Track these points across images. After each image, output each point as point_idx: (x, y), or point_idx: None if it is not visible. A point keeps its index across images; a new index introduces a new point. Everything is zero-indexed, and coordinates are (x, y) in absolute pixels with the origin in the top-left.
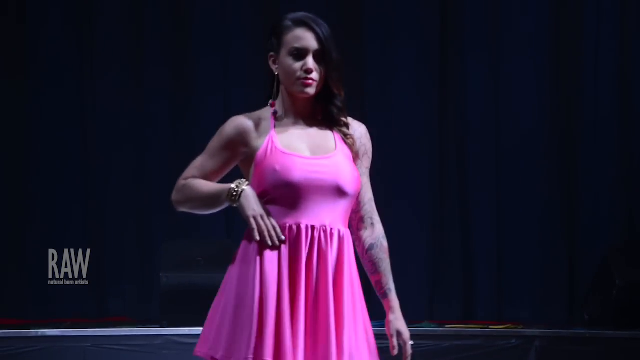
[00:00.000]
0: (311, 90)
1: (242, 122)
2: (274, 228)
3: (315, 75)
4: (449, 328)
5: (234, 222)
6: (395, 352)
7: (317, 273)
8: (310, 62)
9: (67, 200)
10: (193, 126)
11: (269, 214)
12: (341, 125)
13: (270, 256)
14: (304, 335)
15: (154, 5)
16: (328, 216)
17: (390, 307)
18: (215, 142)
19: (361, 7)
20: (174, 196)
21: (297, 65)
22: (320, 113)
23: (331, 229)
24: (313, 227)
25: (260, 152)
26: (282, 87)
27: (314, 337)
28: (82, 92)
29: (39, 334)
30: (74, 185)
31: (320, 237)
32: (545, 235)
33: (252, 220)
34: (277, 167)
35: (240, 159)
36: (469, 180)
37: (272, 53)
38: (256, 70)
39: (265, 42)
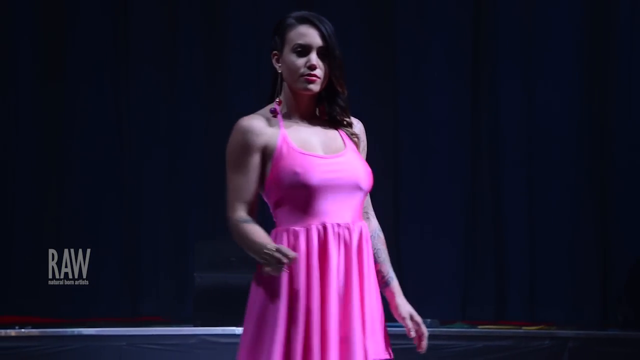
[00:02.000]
0: (315, 87)
1: (251, 123)
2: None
3: (319, 72)
4: (482, 329)
5: (267, 223)
6: (413, 334)
7: (344, 271)
8: (314, 58)
9: (101, 202)
10: (226, 127)
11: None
12: (345, 125)
13: (299, 260)
14: (337, 337)
15: (188, 7)
16: (349, 213)
17: (394, 293)
18: (237, 156)
19: (392, 18)
20: (232, 236)
21: (301, 61)
22: (323, 113)
23: (353, 224)
24: (339, 225)
25: (277, 152)
26: (285, 86)
27: (344, 336)
28: (117, 93)
29: (75, 332)
30: (109, 186)
31: (345, 235)
32: (578, 236)
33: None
34: (298, 169)
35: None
36: (501, 181)
37: (275, 51)
38: None
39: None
